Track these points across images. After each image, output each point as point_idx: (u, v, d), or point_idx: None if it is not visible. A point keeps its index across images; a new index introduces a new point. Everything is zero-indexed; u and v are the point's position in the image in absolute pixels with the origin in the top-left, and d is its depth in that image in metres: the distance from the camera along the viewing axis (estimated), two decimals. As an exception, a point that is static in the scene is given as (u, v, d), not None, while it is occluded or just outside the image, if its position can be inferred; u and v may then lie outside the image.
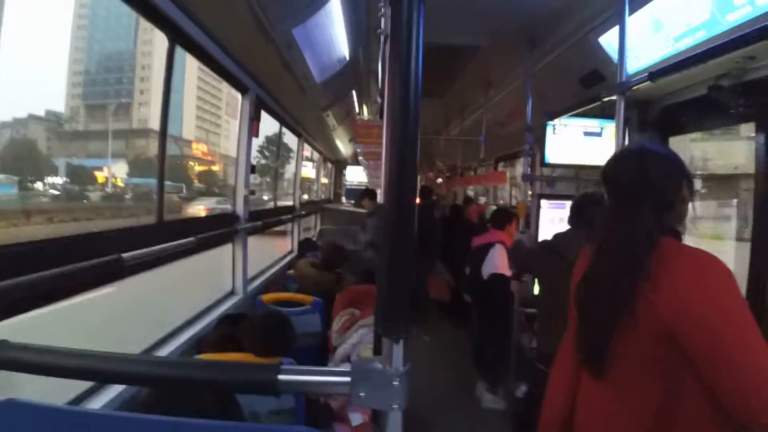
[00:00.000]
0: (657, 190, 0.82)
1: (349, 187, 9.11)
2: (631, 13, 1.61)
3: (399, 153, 0.44)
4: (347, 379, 0.45)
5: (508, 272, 2.63)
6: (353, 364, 0.46)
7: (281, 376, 0.45)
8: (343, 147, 6.42)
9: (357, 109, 4.12)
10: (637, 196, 0.83)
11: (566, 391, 0.94)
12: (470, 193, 6.76)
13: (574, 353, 0.92)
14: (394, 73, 0.44)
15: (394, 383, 0.45)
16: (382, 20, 0.75)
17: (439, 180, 6.98)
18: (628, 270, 0.78)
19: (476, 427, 2.53)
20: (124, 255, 1.20)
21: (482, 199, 6.18)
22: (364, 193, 4.40)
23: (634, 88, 1.51)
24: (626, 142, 2.09)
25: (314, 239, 4.73)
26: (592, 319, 0.85)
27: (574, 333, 0.94)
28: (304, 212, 4.23)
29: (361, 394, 0.45)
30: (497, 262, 2.67)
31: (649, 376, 0.78)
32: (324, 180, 7.69)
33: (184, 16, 1.43)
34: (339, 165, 8.66)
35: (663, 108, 2.10)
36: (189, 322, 1.84)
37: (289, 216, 3.70)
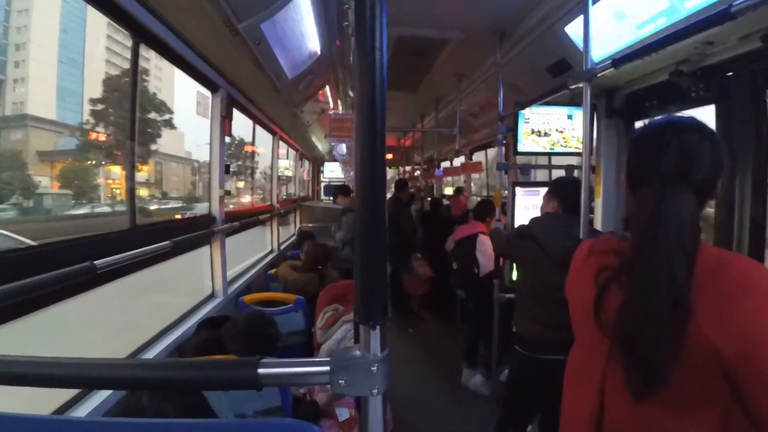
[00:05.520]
0: (704, 174, 0.72)
1: (327, 183, 9.08)
2: (594, 2, 1.65)
3: (367, 145, 0.45)
4: (326, 368, 0.46)
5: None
6: (332, 353, 0.47)
7: (261, 370, 0.46)
8: (320, 143, 6.38)
9: (332, 104, 4.09)
10: (684, 178, 0.72)
11: (593, 410, 0.81)
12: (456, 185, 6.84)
13: (593, 368, 0.82)
14: (360, 66, 0.45)
15: (372, 369, 0.46)
16: (350, 12, 0.75)
17: (417, 172, 7.02)
18: (682, 262, 0.68)
19: (464, 413, 2.58)
20: (97, 262, 1.17)
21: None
22: (338, 190, 4.37)
23: (600, 75, 1.55)
24: (594, 128, 2.16)
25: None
26: (641, 333, 0.71)
27: (588, 348, 0.86)
28: (282, 211, 4.19)
29: (340, 382, 0.46)
30: (491, 255, 2.75)
31: (700, 403, 0.69)
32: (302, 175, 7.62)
33: (147, 13, 1.40)
34: (316, 162, 8.61)
35: (628, 94, 2.17)
36: (169, 328, 1.81)
37: (268, 215, 3.66)
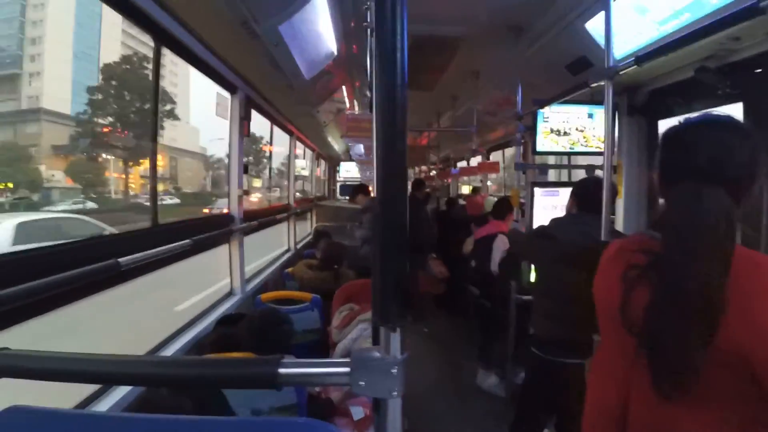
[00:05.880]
0: (735, 171, 0.70)
1: (343, 183, 9.12)
2: (615, -2, 1.62)
3: (388, 145, 0.45)
4: (347, 369, 0.46)
5: None
6: (353, 353, 0.47)
7: (282, 370, 0.46)
8: (336, 143, 6.41)
9: (348, 104, 4.10)
10: (714, 175, 0.70)
11: (617, 407, 0.81)
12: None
13: (618, 366, 0.82)
14: (381, 65, 0.45)
15: (393, 371, 0.46)
16: (368, 13, 0.75)
17: (433, 172, 6.98)
18: (707, 259, 0.66)
19: (478, 414, 2.56)
20: (121, 260, 1.21)
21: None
22: (357, 189, 4.37)
23: (622, 72, 1.51)
24: (616, 127, 2.11)
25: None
26: (664, 331, 0.70)
27: (613, 346, 0.85)
28: (299, 210, 4.23)
29: (360, 383, 0.46)
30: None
31: (723, 402, 0.69)
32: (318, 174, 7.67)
33: (168, 17, 1.42)
34: (332, 161, 8.65)
35: (650, 92, 2.11)
36: (188, 325, 1.85)
37: (285, 215, 3.70)
